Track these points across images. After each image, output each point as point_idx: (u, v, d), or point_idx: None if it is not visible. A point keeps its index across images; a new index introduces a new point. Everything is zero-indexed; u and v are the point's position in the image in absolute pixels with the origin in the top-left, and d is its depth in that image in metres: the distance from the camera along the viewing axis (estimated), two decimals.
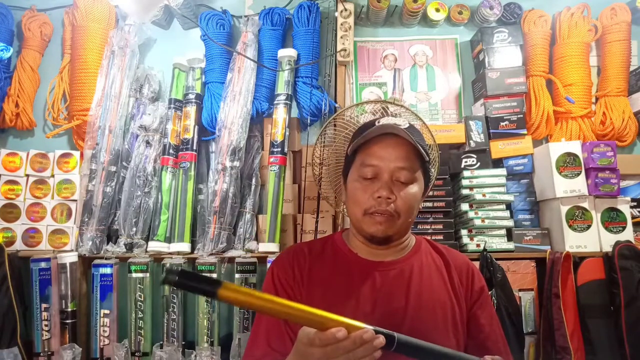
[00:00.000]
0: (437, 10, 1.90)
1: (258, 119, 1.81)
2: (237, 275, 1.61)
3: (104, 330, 1.63)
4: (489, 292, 1.51)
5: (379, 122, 1.02)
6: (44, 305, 1.63)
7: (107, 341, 1.62)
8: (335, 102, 1.80)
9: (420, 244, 1.07)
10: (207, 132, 1.80)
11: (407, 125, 1.00)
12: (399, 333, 0.91)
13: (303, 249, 1.06)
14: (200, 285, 0.68)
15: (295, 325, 0.95)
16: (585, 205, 1.64)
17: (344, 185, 1.08)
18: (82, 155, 1.77)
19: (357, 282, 0.97)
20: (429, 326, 0.93)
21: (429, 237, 1.60)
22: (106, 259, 1.65)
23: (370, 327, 0.73)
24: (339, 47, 1.80)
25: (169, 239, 1.69)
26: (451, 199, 1.69)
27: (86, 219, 1.68)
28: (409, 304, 0.95)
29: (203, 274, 0.69)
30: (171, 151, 1.75)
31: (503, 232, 1.65)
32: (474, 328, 0.99)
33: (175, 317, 1.61)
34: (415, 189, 0.98)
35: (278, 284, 1.00)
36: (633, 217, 1.67)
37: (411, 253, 1.03)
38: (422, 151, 0.97)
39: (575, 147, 1.67)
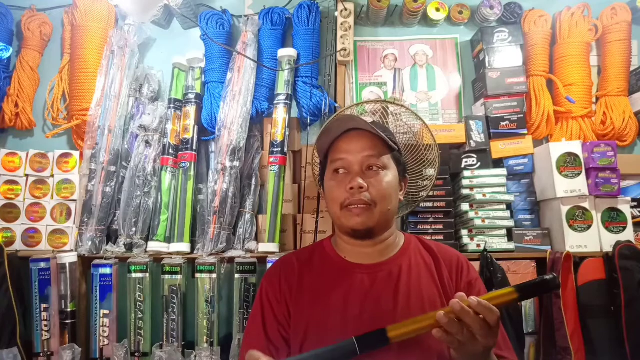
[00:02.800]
0: (438, 9, 1.90)
1: (258, 119, 1.80)
2: (237, 276, 1.61)
3: (103, 331, 1.63)
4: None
5: (337, 120, 1.06)
6: (43, 306, 1.62)
7: (106, 341, 1.62)
8: (335, 102, 1.80)
9: (409, 242, 1.06)
10: (206, 132, 1.80)
11: (370, 120, 1.04)
12: None
13: (291, 259, 1.08)
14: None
15: (276, 337, 0.97)
16: (586, 205, 1.64)
17: (323, 194, 1.09)
18: (81, 155, 1.77)
19: (345, 286, 0.97)
20: None
21: (428, 237, 1.62)
22: (106, 259, 1.65)
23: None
24: (339, 47, 1.80)
25: (168, 239, 1.69)
26: (451, 199, 1.69)
27: (86, 219, 1.67)
28: (397, 305, 0.95)
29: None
30: (171, 151, 1.75)
31: (503, 232, 1.64)
32: None
33: (175, 317, 1.60)
34: (388, 176, 0.99)
35: (265, 299, 1.02)
36: (633, 217, 1.67)
37: (400, 253, 1.03)
38: (387, 139, 0.99)
39: (575, 147, 1.67)
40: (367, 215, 0.96)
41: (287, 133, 1.73)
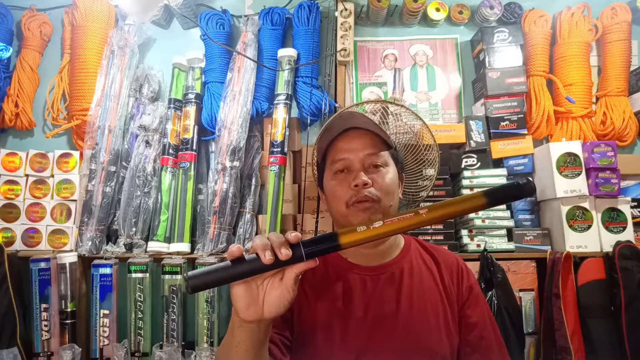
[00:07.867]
0: (438, 9, 1.90)
1: (258, 119, 1.80)
2: None
3: (103, 331, 1.63)
4: (489, 293, 1.51)
5: (339, 118, 1.05)
6: (43, 306, 1.63)
7: (106, 341, 1.62)
8: (335, 102, 1.80)
9: (409, 244, 1.06)
10: (207, 132, 1.80)
11: (367, 118, 1.04)
12: (392, 337, 0.91)
13: None
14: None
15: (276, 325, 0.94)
16: (586, 205, 1.64)
17: (322, 194, 1.08)
18: (81, 155, 1.77)
19: (348, 288, 0.97)
20: (421, 329, 0.93)
21: (428, 237, 1.62)
22: (106, 259, 1.65)
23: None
24: (339, 47, 1.80)
25: (168, 239, 1.69)
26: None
27: (86, 219, 1.67)
28: (400, 307, 0.94)
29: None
30: (171, 151, 1.75)
31: (503, 232, 1.64)
32: (464, 327, 0.98)
33: (175, 317, 1.60)
34: (390, 172, 0.99)
35: None
36: (633, 217, 1.67)
37: (401, 255, 1.03)
38: (385, 137, 1.00)
39: (575, 147, 1.67)
40: (373, 212, 0.95)
41: (287, 133, 1.73)
